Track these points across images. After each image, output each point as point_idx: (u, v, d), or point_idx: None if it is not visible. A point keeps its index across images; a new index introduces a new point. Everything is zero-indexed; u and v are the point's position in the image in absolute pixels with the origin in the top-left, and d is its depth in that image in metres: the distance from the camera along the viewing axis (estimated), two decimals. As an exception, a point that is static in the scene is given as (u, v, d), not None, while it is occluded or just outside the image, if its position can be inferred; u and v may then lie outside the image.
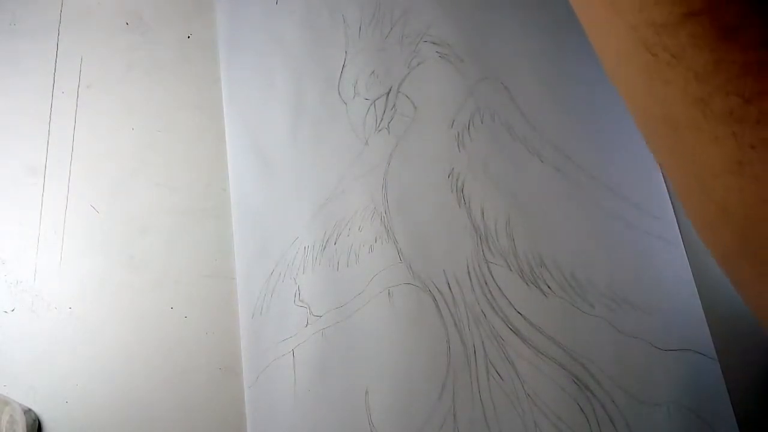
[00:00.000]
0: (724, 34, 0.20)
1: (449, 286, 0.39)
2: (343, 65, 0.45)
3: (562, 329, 0.38)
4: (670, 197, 0.41)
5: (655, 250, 0.39)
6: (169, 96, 0.46)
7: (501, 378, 0.37)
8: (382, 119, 0.44)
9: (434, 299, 0.39)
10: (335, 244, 0.41)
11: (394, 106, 0.44)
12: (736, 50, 0.20)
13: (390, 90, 0.44)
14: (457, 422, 0.36)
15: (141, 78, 0.46)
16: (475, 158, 0.42)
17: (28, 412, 0.37)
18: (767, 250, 0.21)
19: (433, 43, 0.45)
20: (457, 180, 0.42)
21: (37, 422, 0.38)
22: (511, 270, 0.39)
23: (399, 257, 0.40)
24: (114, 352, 0.39)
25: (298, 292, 0.40)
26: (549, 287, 0.39)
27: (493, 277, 0.39)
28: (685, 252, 0.39)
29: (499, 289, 0.39)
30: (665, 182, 0.41)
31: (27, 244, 0.42)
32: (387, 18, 0.46)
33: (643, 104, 0.24)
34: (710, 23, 0.20)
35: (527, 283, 0.39)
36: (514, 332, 0.38)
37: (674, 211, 0.40)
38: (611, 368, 0.36)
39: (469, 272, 0.40)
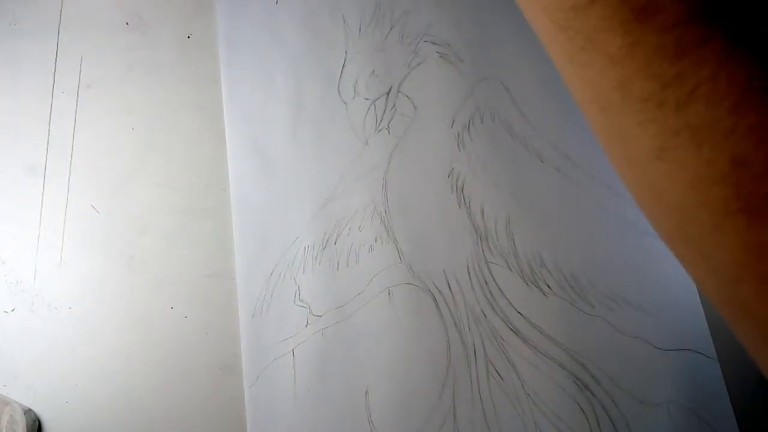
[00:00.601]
0: (636, 16, 0.19)
1: (449, 286, 0.39)
2: (343, 65, 0.45)
3: (562, 329, 0.38)
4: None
5: (655, 250, 0.39)
6: (169, 96, 0.46)
7: (501, 378, 0.37)
8: (382, 119, 0.44)
9: (434, 299, 0.39)
10: (335, 243, 0.41)
11: (394, 106, 0.44)
12: (649, 32, 0.19)
13: (390, 90, 0.44)
14: (457, 422, 0.36)
15: (141, 78, 0.46)
16: (475, 158, 0.42)
17: (28, 412, 0.37)
18: (704, 237, 0.19)
19: (433, 43, 0.45)
20: (457, 180, 0.42)
21: (37, 422, 0.38)
22: (511, 270, 0.39)
23: (399, 257, 0.40)
24: (114, 352, 0.39)
25: (298, 292, 0.40)
26: (549, 287, 0.39)
27: (493, 277, 0.39)
28: (685, 252, 0.39)
29: (499, 289, 0.39)
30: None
31: (27, 244, 0.42)
32: (387, 18, 0.46)
33: (574, 86, 0.23)
34: (620, 5, 0.19)
35: (527, 283, 0.39)
36: (514, 332, 0.38)
37: (674, 211, 0.40)
38: (611, 368, 0.36)
39: (469, 272, 0.40)
